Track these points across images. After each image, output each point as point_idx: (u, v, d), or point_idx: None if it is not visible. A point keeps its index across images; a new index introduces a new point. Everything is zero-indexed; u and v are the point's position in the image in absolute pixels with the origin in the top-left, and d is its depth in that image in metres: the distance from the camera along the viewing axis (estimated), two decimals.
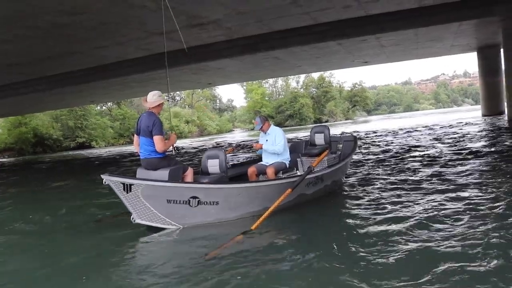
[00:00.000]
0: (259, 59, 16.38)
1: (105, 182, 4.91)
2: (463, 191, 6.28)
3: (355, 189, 7.31)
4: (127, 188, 4.97)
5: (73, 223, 6.49)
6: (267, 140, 7.07)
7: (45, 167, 21.54)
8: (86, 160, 24.45)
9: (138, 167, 5.96)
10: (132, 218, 5.15)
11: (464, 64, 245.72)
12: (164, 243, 4.99)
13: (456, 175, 7.61)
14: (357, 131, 24.99)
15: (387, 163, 10.14)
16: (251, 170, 6.84)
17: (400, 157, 11.13)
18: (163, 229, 5.26)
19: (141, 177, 5.41)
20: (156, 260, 4.35)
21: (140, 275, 3.95)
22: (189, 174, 5.96)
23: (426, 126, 24.72)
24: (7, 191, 11.60)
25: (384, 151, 13.03)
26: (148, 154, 5.64)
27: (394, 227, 4.71)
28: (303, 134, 26.08)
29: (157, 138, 5.55)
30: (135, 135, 5.94)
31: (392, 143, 15.99)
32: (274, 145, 6.92)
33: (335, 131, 12.87)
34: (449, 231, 4.38)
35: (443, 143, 13.91)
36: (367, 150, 13.78)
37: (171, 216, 5.26)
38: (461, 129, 19.60)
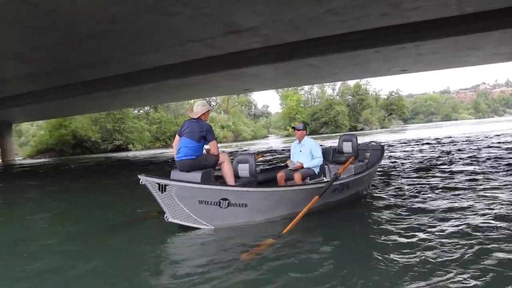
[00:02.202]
0: (295, 66, 16.33)
1: (141, 182, 5.22)
2: (495, 204, 6.14)
3: (380, 197, 7.34)
4: (162, 188, 5.25)
5: (108, 221, 6.81)
6: (300, 151, 7.22)
7: (83, 168, 22.14)
8: (123, 162, 25.00)
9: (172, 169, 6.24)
10: (166, 217, 5.41)
11: (507, 73, 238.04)
12: (196, 242, 5.14)
13: (488, 188, 7.45)
14: (390, 140, 24.60)
15: (417, 173, 10.03)
16: (280, 175, 6.96)
17: (432, 167, 10.94)
18: (195, 228, 5.47)
19: (175, 178, 5.68)
20: (188, 259, 4.54)
21: (172, 273, 4.11)
22: (225, 160, 6.30)
23: (465, 136, 24.15)
24: (46, 191, 11.98)
25: (415, 160, 12.80)
26: (183, 155, 5.97)
27: (418, 236, 4.74)
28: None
29: (213, 143, 6.18)
30: (176, 135, 6.35)
31: (425, 152, 15.68)
32: (311, 158, 7.08)
33: (370, 139, 12.72)
34: (476, 245, 4.30)
35: (479, 153, 13.54)
36: (399, 159, 13.55)
37: (202, 216, 5.48)
38: (502, 140, 19.05)
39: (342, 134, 9.26)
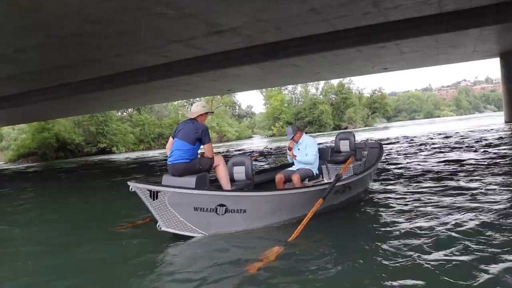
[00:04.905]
0: (278, 66, 16.43)
1: (131, 189, 4.79)
2: (492, 201, 6.02)
3: (382, 198, 7.09)
4: (154, 195, 4.84)
5: (95, 229, 6.43)
6: (298, 149, 7.10)
7: (68, 172, 21.86)
8: (108, 165, 24.76)
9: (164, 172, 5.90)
10: (158, 226, 5.00)
11: (486, 70, 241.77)
12: (193, 252, 4.79)
13: (482, 183, 7.37)
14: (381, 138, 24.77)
15: (413, 172, 9.96)
16: (279, 176, 6.78)
17: (426, 165, 10.94)
18: (190, 237, 5.09)
19: (168, 184, 5.30)
20: (185, 272, 4.16)
21: (165, 285, 3.83)
22: (221, 163, 6.01)
23: (446, 133, 24.43)
24: (30, 197, 11.82)
25: (409, 159, 12.86)
26: (176, 158, 5.61)
27: (418, 237, 4.60)
28: (322, 140, 26.06)
29: (208, 146, 5.82)
30: (170, 138, 5.99)
31: (416, 151, 15.82)
32: (305, 155, 6.93)
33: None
34: (476, 245, 4.19)
35: (467, 150, 13.71)
36: (392, 158, 13.65)
37: (198, 224, 5.10)
38: (483, 136, 19.32)
39: (339, 132, 8.92)
